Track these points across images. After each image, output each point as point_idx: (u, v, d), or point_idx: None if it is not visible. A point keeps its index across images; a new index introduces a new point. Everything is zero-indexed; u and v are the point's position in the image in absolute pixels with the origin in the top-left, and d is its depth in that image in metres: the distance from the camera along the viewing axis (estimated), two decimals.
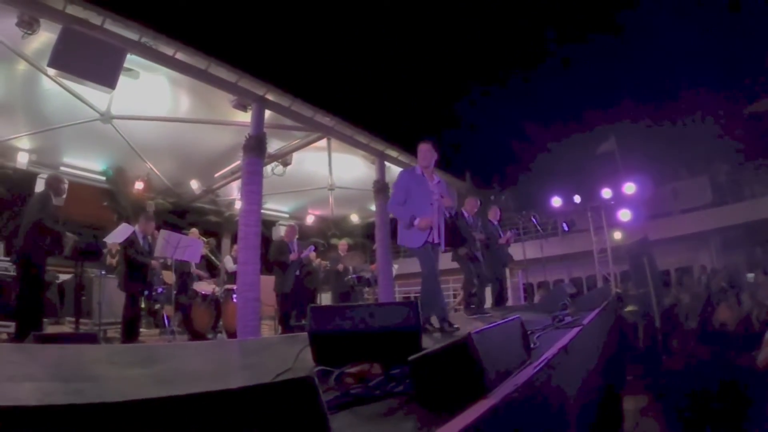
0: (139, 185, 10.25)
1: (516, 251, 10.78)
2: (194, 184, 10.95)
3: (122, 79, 6.26)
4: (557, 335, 3.06)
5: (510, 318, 2.20)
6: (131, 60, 6.44)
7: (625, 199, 12.61)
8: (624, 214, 12.58)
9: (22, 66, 6.78)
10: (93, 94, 7.19)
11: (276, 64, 38.08)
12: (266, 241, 8.65)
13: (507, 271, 9.61)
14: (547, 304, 6.09)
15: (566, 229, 15.01)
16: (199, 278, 8.66)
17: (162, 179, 10.89)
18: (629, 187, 12.39)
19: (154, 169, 10.46)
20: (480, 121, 50.12)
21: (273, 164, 9.58)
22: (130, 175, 10.31)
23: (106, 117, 8.30)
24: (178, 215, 11.64)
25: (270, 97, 7.89)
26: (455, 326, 4.26)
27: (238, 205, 10.59)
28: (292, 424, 0.88)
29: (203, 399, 0.82)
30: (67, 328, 7.34)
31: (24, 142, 8.73)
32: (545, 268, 14.34)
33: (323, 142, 9.84)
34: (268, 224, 12.52)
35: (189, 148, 9.63)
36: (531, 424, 1.77)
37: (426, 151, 4.74)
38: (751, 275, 11.18)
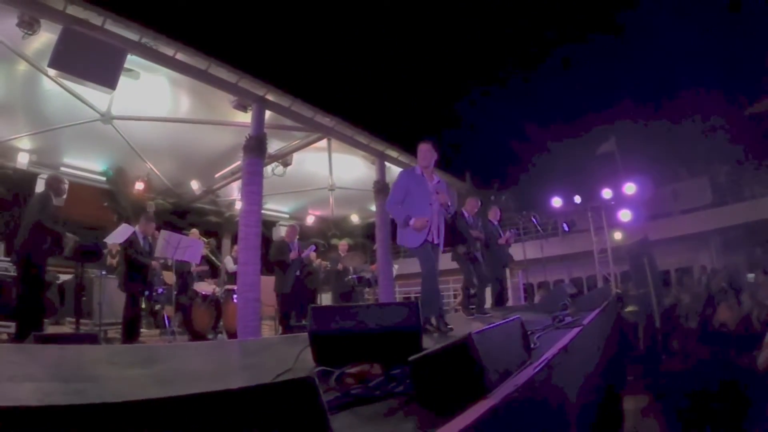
0: (139, 186, 10.26)
1: (516, 251, 10.78)
2: (194, 185, 10.95)
3: (122, 80, 6.27)
4: (557, 335, 3.06)
5: (510, 318, 2.20)
6: (131, 60, 6.44)
7: (625, 200, 12.61)
8: (624, 215, 12.58)
9: (22, 66, 6.79)
10: (93, 94, 7.19)
11: (276, 64, 38.13)
12: (266, 241, 8.65)
13: (507, 271, 9.60)
14: (547, 304, 6.09)
15: (566, 229, 15.00)
16: (200, 276, 8.66)
17: (162, 180, 10.90)
18: (629, 188, 12.39)
19: (155, 169, 10.46)
20: (480, 122, 50.17)
21: (273, 165, 9.58)
22: (130, 176, 10.32)
23: (107, 117, 8.30)
24: (179, 216, 11.64)
25: (270, 97, 7.89)
26: (449, 327, 4.27)
27: (238, 205, 10.60)
28: (293, 425, 0.88)
29: (204, 399, 0.82)
30: (67, 328, 7.34)
31: (24, 143, 8.74)
32: (545, 268, 14.34)
33: (323, 143, 9.84)
34: (269, 225, 12.53)
35: (189, 148, 9.64)
36: (531, 424, 1.77)
37: (426, 151, 4.75)
38: (751, 275, 11.17)
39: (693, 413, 5.05)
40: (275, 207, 13.40)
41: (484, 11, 44.78)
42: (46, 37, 5.88)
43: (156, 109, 8.30)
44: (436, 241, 4.65)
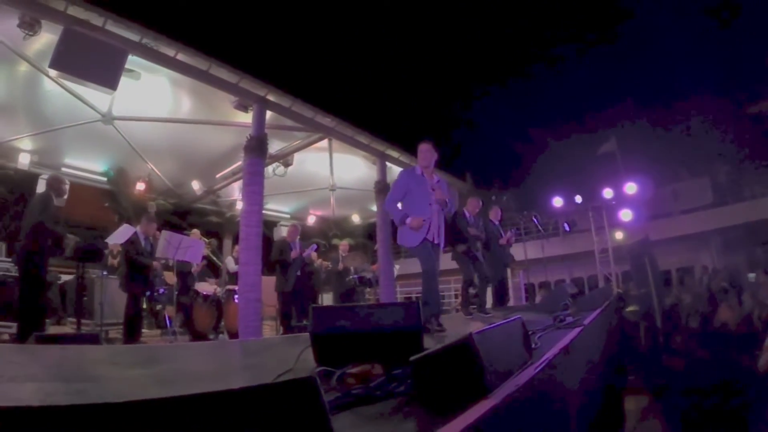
0: (140, 186, 10.27)
1: (517, 251, 10.77)
2: (195, 185, 10.95)
3: (123, 80, 6.27)
4: (558, 335, 3.06)
5: (511, 318, 2.20)
6: (132, 61, 6.45)
7: (626, 200, 12.61)
8: (625, 215, 12.58)
9: (23, 67, 6.80)
10: (94, 95, 7.21)
11: (277, 64, 38.13)
12: (267, 241, 8.66)
13: (509, 271, 9.60)
14: (548, 304, 6.08)
15: (567, 229, 15.00)
16: (201, 276, 8.67)
17: (163, 180, 10.91)
18: (630, 187, 12.39)
19: (156, 169, 10.47)
20: (481, 122, 50.19)
21: (274, 165, 9.59)
22: (131, 176, 10.34)
23: (108, 118, 8.31)
24: (180, 216, 11.65)
25: (271, 97, 7.89)
26: (442, 327, 4.28)
27: (239, 205, 10.61)
28: (294, 425, 0.88)
29: (205, 399, 0.83)
30: (68, 328, 7.35)
31: (25, 143, 8.76)
32: (546, 268, 14.33)
33: (324, 143, 9.84)
34: (270, 225, 12.52)
35: (190, 148, 9.65)
36: (532, 424, 1.77)
37: (426, 151, 4.76)
38: (752, 275, 11.17)
39: (694, 413, 5.04)
40: (276, 207, 13.41)
41: (486, 11, 44.78)
42: (47, 38, 5.88)
43: (157, 109, 8.31)
44: (436, 241, 4.65)
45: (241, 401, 0.85)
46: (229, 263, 9.33)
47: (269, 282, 8.11)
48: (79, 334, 5.53)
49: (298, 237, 8.50)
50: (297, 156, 9.83)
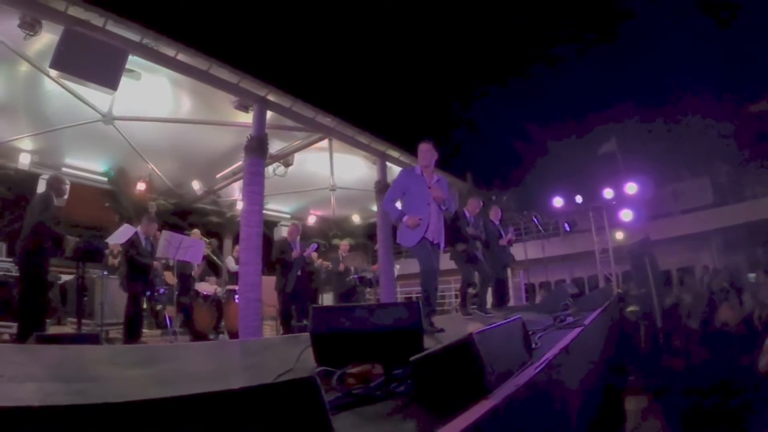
0: (140, 186, 10.27)
1: (518, 251, 10.78)
2: (196, 185, 10.95)
3: (124, 81, 6.27)
4: (559, 335, 3.06)
5: (511, 318, 2.20)
6: (133, 61, 6.45)
7: (626, 200, 12.62)
8: (625, 215, 12.59)
9: (24, 67, 6.80)
10: (95, 95, 7.21)
11: (277, 65, 38.19)
12: (268, 241, 8.66)
13: (509, 271, 9.60)
14: (548, 304, 6.08)
15: (568, 229, 15.02)
16: (201, 277, 8.67)
17: (164, 180, 10.91)
18: (631, 187, 12.39)
19: (156, 170, 10.47)
20: (482, 122, 50.21)
21: (274, 165, 9.59)
22: (131, 176, 10.34)
23: (108, 118, 8.31)
24: (180, 216, 11.65)
25: (271, 97, 7.89)
26: (436, 327, 4.26)
27: (239, 205, 10.61)
28: (295, 425, 0.88)
29: (205, 399, 0.83)
30: (69, 328, 7.36)
31: (26, 143, 8.76)
32: (547, 268, 14.33)
33: (325, 143, 9.84)
34: (270, 225, 12.53)
35: (190, 149, 9.65)
36: (532, 424, 1.77)
37: (426, 150, 4.76)
38: (752, 275, 11.17)
39: (694, 413, 5.04)
40: (276, 207, 13.41)
41: (486, 11, 44.78)
42: (47, 38, 5.88)
43: (157, 109, 8.31)
44: (436, 241, 4.65)
45: (242, 401, 0.85)
46: (230, 263, 9.33)
47: (269, 282, 8.12)
48: (80, 334, 5.53)
49: (299, 237, 8.50)
50: (297, 156, 9.83)
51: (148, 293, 7.12)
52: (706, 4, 28.67)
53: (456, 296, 15.36)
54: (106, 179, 10.26)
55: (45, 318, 5.80)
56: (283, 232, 11.51)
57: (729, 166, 15.87)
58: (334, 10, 45.18)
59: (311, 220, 14.05)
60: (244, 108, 7.69)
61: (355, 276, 9.70)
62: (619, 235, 13.71)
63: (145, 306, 7.29)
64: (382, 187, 9.95)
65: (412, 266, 12.72)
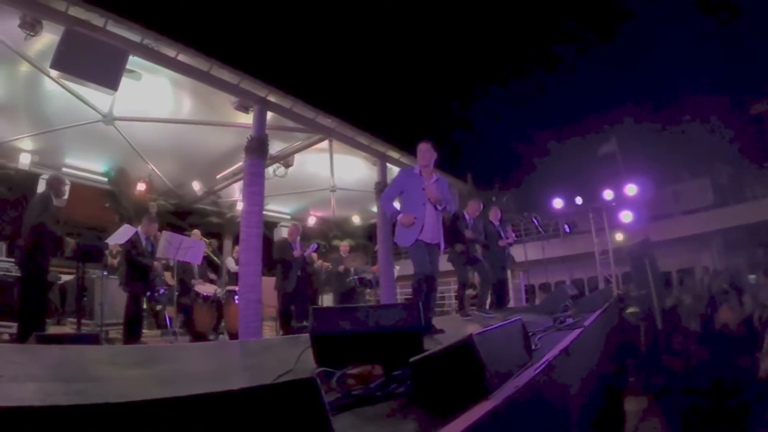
0: (141, 186, 10.26)
1: (518, 253, 10.80)
2: (196, 186, 10.95)
3: (124, 81, 6.28)
4: (558, 337, 3.06)
5: (511, 319, 2.20)
6: (133, 62, 6.46)
7: (626, 201, 12.63)
8: (625, 216, 12.60)
9: (24, 67, 6.80)
10: (95, 95, 7.20)
11: (278, 65, 38.15)
12: (268, 242, 8.66)
13: (509, 272, 9.60)
14: (548, 305, 6.09)
15: (568, 230, 15.05)
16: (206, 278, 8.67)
17: (164, 180, 10.91)
18: (631, 189, 12.40)
19: (156, 170, 10.47)
20: (482, 123, 50.21)
21: (275, 166, 9.59)
22: (132, 177, 10.33)
23: (108, 118, 8.32)
24: (180, 216, 11.66)
25: (272, 98, 7.89)
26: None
27: (239, 206, 10.61)
28: (294, 425, 0.88)
29: (205, 400, 0.83)
30: (68, 328, 7.35)
31: (26, 143, 8.76)
32: (547, 269, 14.35)
33: (325, 144, 9.84)
34: (270, 225, 12.53)
35: (191, 149, 9.65)
36: (532, 425, 1.77)
37: (425, 150, 4.77)
38: (752, 276, 11.16)
39: (694, 414, 5.04)
40: (277, 208, 13.41)
41: (486, 12, 44.79)
42: (48, 39, 5.89)
43: (158, 110, 8.31)
44: (435, 241, 4.65)
45: (242, 402, 0.85)
46: (230, 264, 9.34)
47: (269, 283, 8.12)
48: (80, 334, 5.54)
49: (299, 237, 8.51)
50: (297, 157, 9.83)
51: (148, 293, 7.11)
52: (707, 4, 28.68)
53: (456, 297, 15.37)
54: (106, 179, 10.26)
55: (45, 318, 5.80)
56: (283, 232, 11.51)
57: (729, 167, 15.87)
58: (334, 11, 45.21)
59: (311, 221, 14.04)
60: (244, 109, 7.69)
61: (355, 277, 9.70)
62: (619, 237, 13.73)
63: (145, 306, 7.28)
64: (382, 188, 9.93)
65: (412, 267, 12.72)
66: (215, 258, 9.40)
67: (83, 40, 5.79)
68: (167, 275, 7.77)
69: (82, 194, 9.49)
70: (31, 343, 3.35)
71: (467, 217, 7.07)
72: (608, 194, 12.88)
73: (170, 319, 7.46)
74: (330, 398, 1.50)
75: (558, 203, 13.94)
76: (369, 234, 14.58)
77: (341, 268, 9.70)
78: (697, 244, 15.08)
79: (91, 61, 5.79)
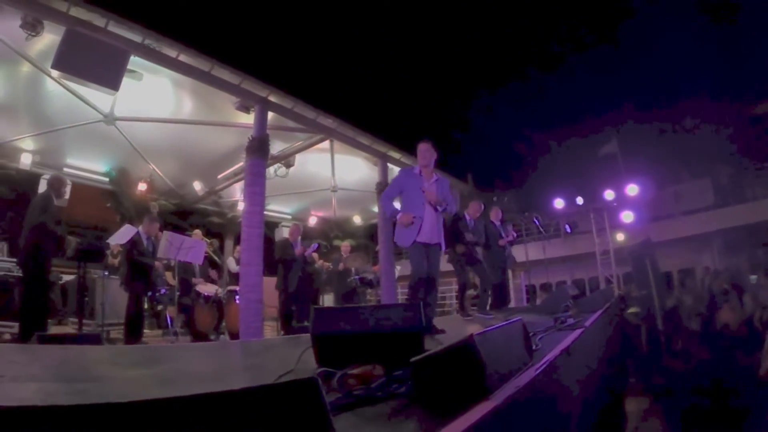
0: (142, 186, 10.28)
1: (518, 253, 10.80)
2: (197, 186, 10.96)
3: (125, 81, 6.29)
4: (559, 337, 3.06)
5: (512, 320, 2.19)
6: (134, 62, 6.47)
7: (627, 201, 12.63)
8: (626, 216, 12.59)
9: (25, 68, 6.81)
10: (96, 95, 7.21)
11: (279, 66, 38.25)
12: (269, 242, 8.67)
13: (510, 272, 9.60)
14: (549, 305, 6.08)
15: (569, 230, 15.03)
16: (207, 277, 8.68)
17: (165, 180, 10.91)
18: (632, 189, 12.40)
19: (157, 170, 10.48)
20: (483, 123, 50.21)
21: (276, 166, 9.60)
22: (133, 177, 10.34)
23: (110, 118, 8.32)
24: (181, 216, 11.66)
25: (273, 98, 7.90)
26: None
27: (241, 206, 10.60)
28: (295, 426, 0.88)
29: (206, 400, 0.83)
30: (70, 328, 7.36)
31: (27, 143, 8.78)
32: (548, 269, 14.34)
33: (326, 144, 9.85)
34: (271, 225, 12.53)
35: (192, 149, 9.66)
36: (533, 425, 1.77)
37: (425, 150, 4.77)
38: (753, 277, 11.15)
39: (694, 414, 5.04)
40: (278, 208, 13.42)
41: (488, 13, 44.80)
42: (49, 39, 5.90)
43: (159, 110, 8.32)
44: (434, 242, 4.65)
45: (242, 402, 0.85)
46: (231, 264, 9.35)
47: (270, 283, 8.12)
48: (81, 334, 5.55)
49: (300, 236, 8.52)
50: (298, 157, 9.83)
51: (149, 293, 7.12)
52: (707, 4, 28.66)
53: (456, 297, 15.36)
54: (107, 179, 10.27)
55: (46, 318, 5.81)
56: (284, 232, 11.51)
57: (730, 168, 15.85)
58: (335, 11, 45.23)
59: (312, 221, 14.05)
60: (245, 109, 7.70)
61: (356, 277, 9.70)
62: (620, 237, 13.72)
63: (146, 306, 7.29)
64: (383, 188, 9.90)
65: None
66: (216, 258, 9.40)
67: (84, 41, 5.79)
68: (168, 275, 7.78)
69: (83, 194, 9.51)
70: (32, 343, 3.36)
71: (468, 218, 7.07)
72: (609, 194, 12.88)
73: (171, 319, 7.47)
74: (331, 398, 1.50)
75: (559, 203, 13.93)
76: (370, 234, 14.57)
77: (342, 268, 9.70)
78: (697, 244, 15.06)
79: (92, 62, 5.79)
